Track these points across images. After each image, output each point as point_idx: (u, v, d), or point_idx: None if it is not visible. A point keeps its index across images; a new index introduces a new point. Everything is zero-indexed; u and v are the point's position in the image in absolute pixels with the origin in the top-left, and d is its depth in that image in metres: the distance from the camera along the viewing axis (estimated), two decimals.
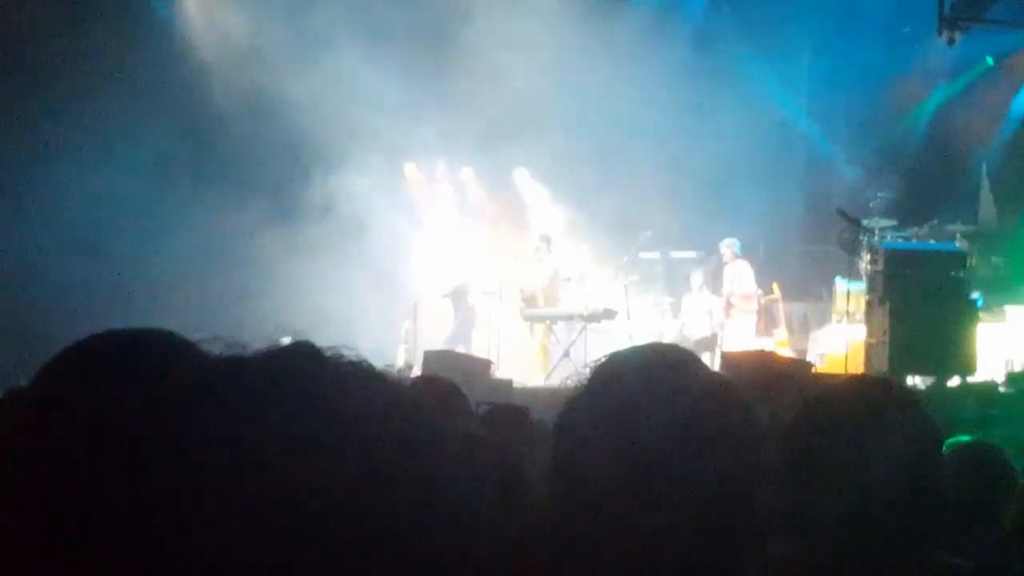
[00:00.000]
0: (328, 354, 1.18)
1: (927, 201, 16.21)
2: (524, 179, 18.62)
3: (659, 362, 1.74)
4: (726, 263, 16.08)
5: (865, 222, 14.49)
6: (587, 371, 1.82)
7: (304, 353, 1.17)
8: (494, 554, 1.21)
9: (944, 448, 2.66)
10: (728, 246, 15.91)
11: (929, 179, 17.32)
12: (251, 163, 16.06)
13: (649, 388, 1.67)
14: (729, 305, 15.86)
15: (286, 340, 1.21)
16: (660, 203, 16.72)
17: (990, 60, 17.55)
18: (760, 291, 16.00)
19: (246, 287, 14.60)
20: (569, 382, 1.84)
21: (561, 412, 1.72)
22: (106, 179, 14.58)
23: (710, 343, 15.17)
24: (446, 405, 3.69)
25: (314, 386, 1.14)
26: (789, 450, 2.23)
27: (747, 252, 16.11)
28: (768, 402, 2.03)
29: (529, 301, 15.87)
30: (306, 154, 16.48)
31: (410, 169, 18.42)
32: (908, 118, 18.23)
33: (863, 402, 2.40)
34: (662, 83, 16.37)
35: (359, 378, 1.18)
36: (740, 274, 15.93)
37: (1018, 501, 3.31)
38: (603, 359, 1.80)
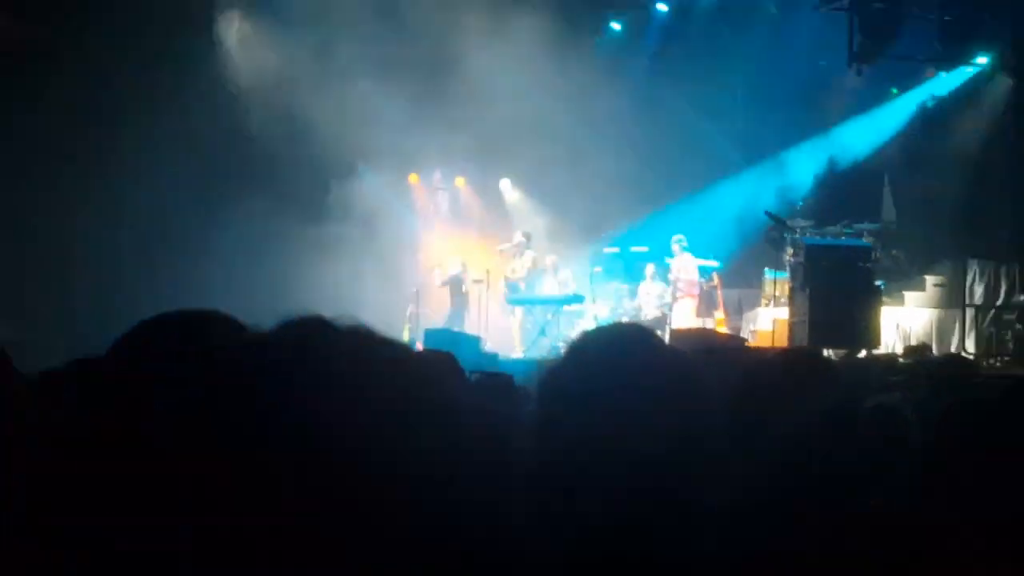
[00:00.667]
0: (345, 326, 1.20)
1: (840, 204, 16.45)
2: (507, 187, 19.02)
3: (622, 337, 1.77)
4: (674, 256, 16.40)
5: (789, 222, 15.04)
6: (563, 346, 1.83)
7: (318, 323, 1.19)
8: (491, 492, 1.23)
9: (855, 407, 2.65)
10: (676, 242, 16.28)
11: (842, 186, 17.53)
12: (282, 175, 16.42)
13: (615, 357, 1.68)
14: (676, 291, 16.25)
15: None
16: (620, 208, 17.18)
17: (894, 90, 17.82)
18: (702, 279, 16.38)
19: (279, 277, 14.83)
20: (549, 355, 2.46)
21: (544, 379, 1.72)
22: (164, 188, 15.28)
23: (660, 322, 15.46)
24: (442, 371, 3.19)
25: (338, 348, 1.16)
26: (733, 408, 2.24)
27: (691, 248, 16.55)
28: (709, 369, 2.02)
29: (512, 289, 16.46)
30: (328, 166, 16.88)
31: (413, 178, 18.72)
32: (826, 137, 18.31)
33: (790, 369, 2.53)
34: (620, 112, 16.86)
35: (384, 346, 1.22)
36: (685, 265, 16.27)
37: (914, 452, 3.18)
38: (577, 336, 1.83)
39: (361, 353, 1.19)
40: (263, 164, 16.20)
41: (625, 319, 15.11)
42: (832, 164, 18.02)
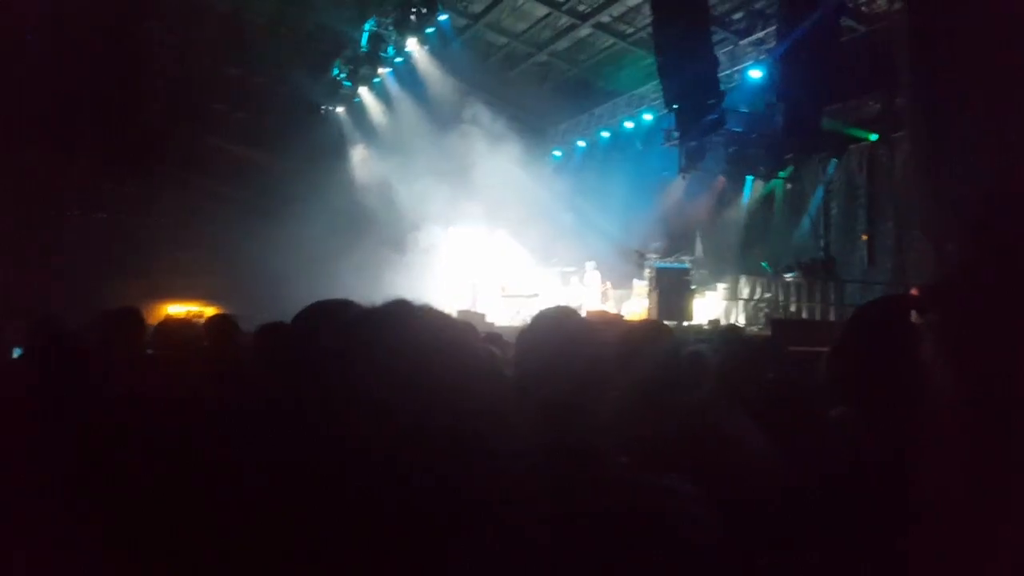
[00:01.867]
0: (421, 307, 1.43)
1: (674, 244, 21.27)
2: (501, 236, 22.50)
3: (559, 313, 2.36)
4: (587, 272, 20.28)
5: (648, 255, 19.68)
6: (529, 319, 2.43)
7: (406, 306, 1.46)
8: (496, 400, 1.51)
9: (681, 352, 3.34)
10: (589, 264, 20.48)
11: (675, 236, 21.96)
12: (379, 227, 21.57)
13: (556, 323, 2.29)
14: (590, 292, 19.97)
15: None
16: (565, 241, 21.55)
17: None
18: (605, 284, 20.35)
19: (377, 285, 16.86)
20: (521, 324, 2.49)
21: (518, 336, 2.32)
22: (317, 237, 20.14)
23: (580, 309, 14.91)
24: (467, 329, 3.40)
25: (425, 323, 1.39)
26: (617, 352, 2.98)
27: (599, 267, 20.23)
28: (606, 329, 2.55)
29: (504, 291, 20.68)
30: (402, 219, 21.77)
31: (450, 230, 22.41)
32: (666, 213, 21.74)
33: (647, 331, 3.46)
34: (559, 194, 21.78)
35: (446, 319, 1.47)
36: (593, 278, 20.31)
37: (712, 376, 3.68)
38: (536, 313, 2.44)
39: (436, 321, 1.56)
40: (363, 218, 21.58)
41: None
42: (669, 226, 22.05)
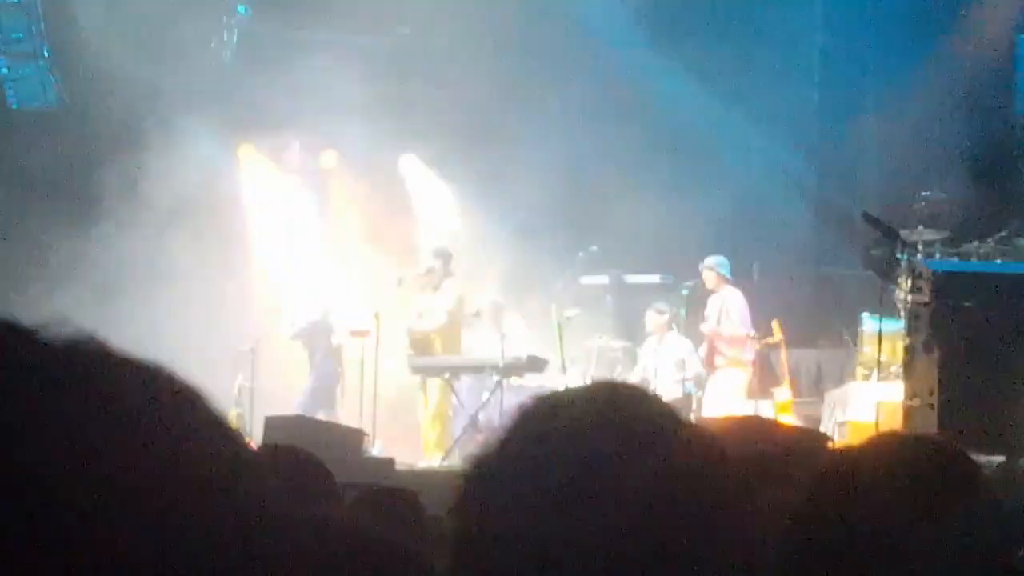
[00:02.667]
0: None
1: (993, 205, 14.89)
2: (413, 169, 17.42)
3: (614, 404, 1.49)
4: (710, 291, 14.40)
5: (905, 233, 12.59)
6: (499, 428, 1.54)
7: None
8: None
9: None
10: (712, 268, 14.18)
11: (996, 175, 15.96)
12: None
13: (600, 443, 1.41)
14: (712, 352, 14.04)
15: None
16: (612, 205, 15.63)
17: None
18: (755, 333, 14.20)
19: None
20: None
21: (467, 487, 1.47)
22: None
23: (683, 406, 13.37)
24: (300, 481, 3.22)
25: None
26: (796, 540, 1.98)
27: (737, 277, 14.72)
28: (766, 486, 1.85)
29: (420, 345, 14.16)
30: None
31: (246, 151, 16.86)
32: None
33: (914, 484, 2.08)
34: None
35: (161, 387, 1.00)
36: (729, 307, 13.99)
37: None
38: (526, 403, 1.56)
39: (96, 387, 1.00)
40: None
41: None
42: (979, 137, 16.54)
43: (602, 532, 1.37)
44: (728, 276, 14.54)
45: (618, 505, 1.37)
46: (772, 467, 2.26)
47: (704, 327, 14.27)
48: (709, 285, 14.45)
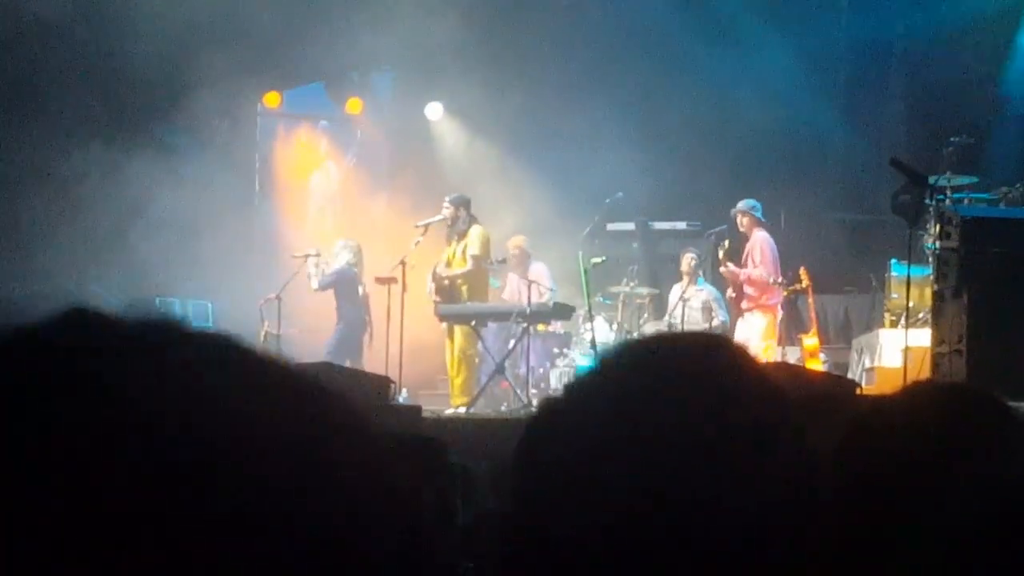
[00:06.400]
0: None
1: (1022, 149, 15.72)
2: (439, 116, 17.48)
3: (694, 355, 1.48)
4: (737, 236, 14.57)
5: (933, 179, 12.45)
6: (556, 390, 4.30)
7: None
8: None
9: None
10: (746, 211, 14.20)
11: None
12: None
13: (680, 392, 1.40)
14: (739, 296, 14.25)
15: None
16: (637, 151, 15.60)
17: None
18: (782, 279, 14.24)
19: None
20: (515, 411, 4.73)
21: (521, 449, 1.46)
22: None
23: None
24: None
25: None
26: (836, 484, 1.87)
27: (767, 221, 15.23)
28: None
29: (446, 292, 14.18)
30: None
31: (272, 100, 16.85)
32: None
33: (938, 418, 2.16)
34: None
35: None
36: (759, 251, 14.07)
37: None
38: (600, 353, 3.29)
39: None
40: None
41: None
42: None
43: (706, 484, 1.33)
44: (761, 218, 14.80)
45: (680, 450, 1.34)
46: (802, 415, 2.27)
47: (725, 270, 14.24)
48: (742, 228, 14.66)
